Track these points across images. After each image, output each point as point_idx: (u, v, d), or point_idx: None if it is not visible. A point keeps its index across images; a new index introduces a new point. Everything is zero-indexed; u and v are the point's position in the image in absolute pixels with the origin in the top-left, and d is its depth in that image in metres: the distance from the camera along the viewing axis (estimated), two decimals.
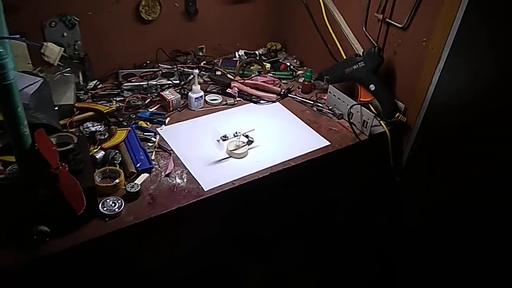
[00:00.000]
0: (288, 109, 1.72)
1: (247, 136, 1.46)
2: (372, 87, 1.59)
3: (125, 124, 1.49)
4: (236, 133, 1.43)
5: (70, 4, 1.57)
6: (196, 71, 1.62)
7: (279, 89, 1.80)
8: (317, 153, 1.48)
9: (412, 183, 1.70)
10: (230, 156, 1.43)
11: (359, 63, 1.61)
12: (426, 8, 1.44)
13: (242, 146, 1.44)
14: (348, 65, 1.65)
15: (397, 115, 1.59)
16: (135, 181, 1.25)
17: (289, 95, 1.80)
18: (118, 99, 1.63)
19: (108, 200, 1.18)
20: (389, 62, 1.63)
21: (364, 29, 1.68)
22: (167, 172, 1.32)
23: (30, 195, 1.07)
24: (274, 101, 1.76)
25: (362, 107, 1.58)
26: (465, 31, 1.33)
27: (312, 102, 1.75)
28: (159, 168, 1.35)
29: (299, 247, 1.97)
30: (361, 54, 1.62)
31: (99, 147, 1.36)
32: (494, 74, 1.32)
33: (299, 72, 1.98)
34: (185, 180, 1.31)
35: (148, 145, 1.44)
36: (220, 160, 1.41)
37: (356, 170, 1.71)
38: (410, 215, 1.78)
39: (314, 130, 1.60)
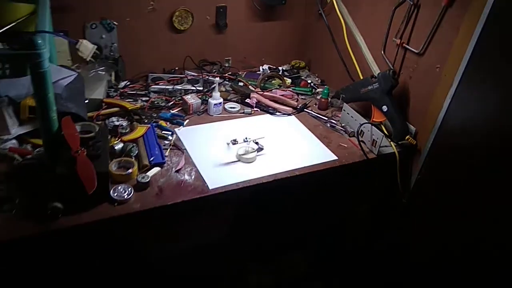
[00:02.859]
0: (302, 123, 1.78)
1: (257, 143, 1.54)
2: (385, 108, 1.63)
3: (146, 121, 1.60)
4: (246, 138, 1.51)
5: (110, 9, 1.73)
6: (218, 79, 1.73)
7: (296, 103, 1.87)
8: (323, 166, 1.53)
9: (419, 206, 1.70)
10: (239, 160, 1.50)
11: (374, 84, 1.66)
12: (441, 37, 1.49)
13: (252, 152, 1.52)
14: (364, 85, 1.71)
15: (407, 137, 1.62)
16: (147, 173, 1.35)
17: (305, 110, 1.87)
18: (144, 99, 1.76)
19: (119, 187, 1.28)
20: (404, 86, 1.67)
21: (382, 52, 1.73)
22: (177, 168, 1.41)
23: (49, 174, 1.19)
24: (289, 114, 1.83)
25: (373, 127, 1.62)
26: (475, 62, 1.37)
27: (327, 119, 1.81)
28: (171, 164, 1.44)
29: (302, 260, 2.00)
30: (376, 75, 1.67)
31: (119, 139, 1.47)
32: (501, 104, 1.33)
33: (319, 89, 2.05)
34: (192, 177, 1.40)
35: (164, 143, 1.54)
36: (228, 163, 1.49)
37: (364, 188, 1.74)
38: (415, 238, 1.78)
39: (324, 144, 1.65)
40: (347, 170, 1.57)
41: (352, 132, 1.72)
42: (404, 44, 1.63)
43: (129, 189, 1.28)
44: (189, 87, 1.86)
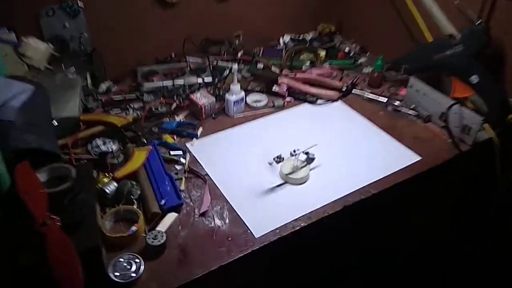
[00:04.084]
0: (355, 111, 1.31)
1: (306, 153, 1.08)
2: (474, 78, 1.16)
3: (145, 141, 1.13)
4: (294, 151, 1.04)
5: None
6: (236, 66, 1.24)
7: (340, 83, 1.40)
8: (405, 174, 1.07)
9: None
10: (286, 182, 1.05)
11: (455, 47, 1.19)
12: None
13: (302, 167, 1.06)
14: (438, 49, 1.23)
15: (510, 116, 1.16)
16: (159, 227, 0.90)
17: (353, 91, 1.39)
18: (136, 105, 1.27)
19: (121, 260, 0.83)
20: (497, 46, 1.20)
21: (457, 1, 1.24)
22: (202, 211, 0.96)
23: (7, 264, 0.73)
24: (335, 100, 1.36)
25: (462, 108, 1.16)
26: None
27: (386, 100, 1.34)
28: (191, 204, 0.99)
29: (358, 283, 1.57)
30: (455, 35, 1.19)
31: (111, 176, 1.00)
32: None
33: (362, 60, 1.57)
34: (227, 220, 0.95)
35: (176, 169, 1.08)
36: (272, 189, 1.03)
37: (448, 191, 1.29)
38: None
39: (396, 139, 1.19)
40: (435, 172, 1.12)
41: (427, 116, 1.26)
42: None
43: (137, 261, 0.83)
44: (194, 80, 1.37)
